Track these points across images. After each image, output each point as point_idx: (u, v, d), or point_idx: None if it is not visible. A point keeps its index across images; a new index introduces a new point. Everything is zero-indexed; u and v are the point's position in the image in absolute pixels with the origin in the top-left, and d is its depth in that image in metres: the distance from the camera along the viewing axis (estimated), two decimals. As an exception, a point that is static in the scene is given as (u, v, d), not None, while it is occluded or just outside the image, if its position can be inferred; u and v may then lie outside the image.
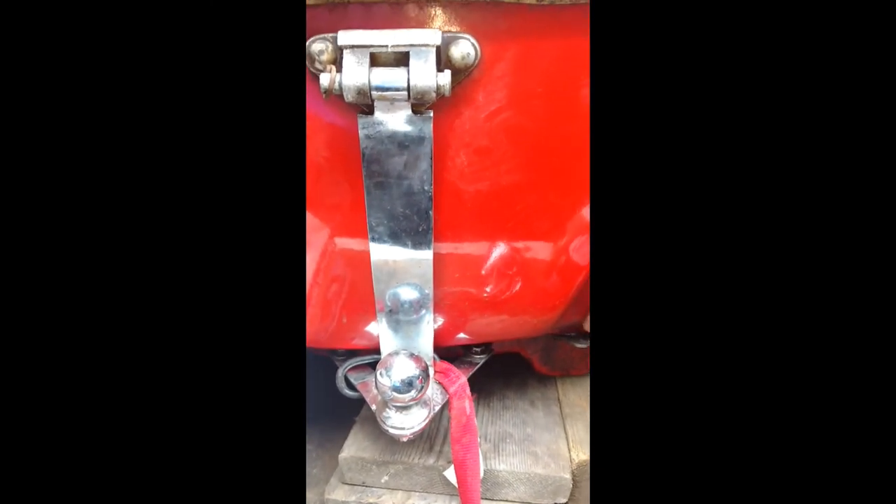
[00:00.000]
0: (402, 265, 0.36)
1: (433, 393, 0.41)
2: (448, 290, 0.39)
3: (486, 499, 0.42)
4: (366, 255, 0.36)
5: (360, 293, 0.39)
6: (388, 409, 0.38)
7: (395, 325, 0.39)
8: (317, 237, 0.36)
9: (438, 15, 0.28)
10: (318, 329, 0.42)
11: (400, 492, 0.43)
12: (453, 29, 0.28)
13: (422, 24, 0.28)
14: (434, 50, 0.27)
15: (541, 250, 0.38)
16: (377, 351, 0.41)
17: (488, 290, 0.40)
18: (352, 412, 0.50)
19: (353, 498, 0.42)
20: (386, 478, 0.43)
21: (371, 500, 0.42)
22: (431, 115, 0.29)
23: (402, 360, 0.36)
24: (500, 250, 0.38)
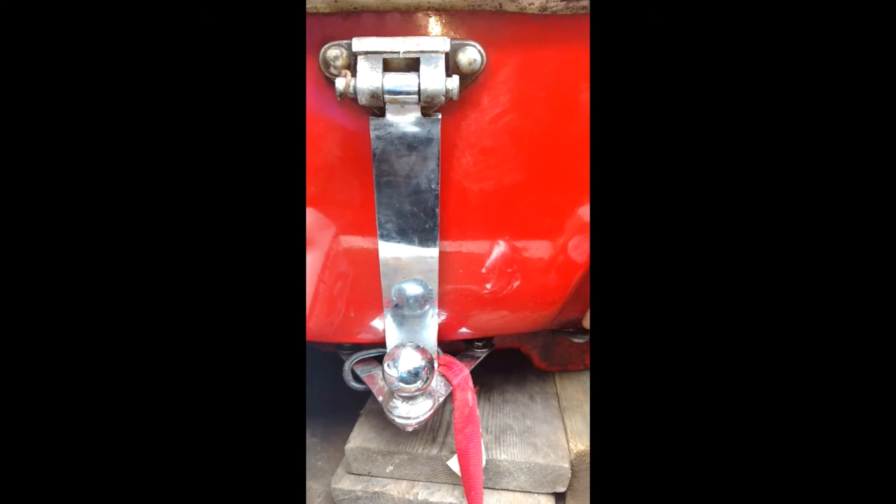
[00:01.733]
0: (408, 261, 0.37)
1: (437, 385, 0.42)
2: (451, 287, 0.41)
3: (488, 488, 0.44)
4: (373, 253, 0.37)
5: (367, 289, 0.40)
6: (394, 400, 0.40)
7: (401, 320, 0.41)
8: (326, 235, 0.38)
9: (447, 23, 0.30)
10: (324, 324, 0.43)
11: (404, 481, 0.44)
12: (461, 36, 0.30)
13: (431, 31, 0.30)
14: (443, 56, 0.29)
15: (540, 248, 0.40)
16: (382, 345, 0.43)
17: (489, 286, 0.41)
18: (355, 407, 0.51)
19: (359, 487, 0.43)
20: (391, 468, 0.44)
21: (376, 489, 0.43)
22: (440, 117, 0.31)
23: (409, 352, 0.38)
24: (500, 248, 0.39)
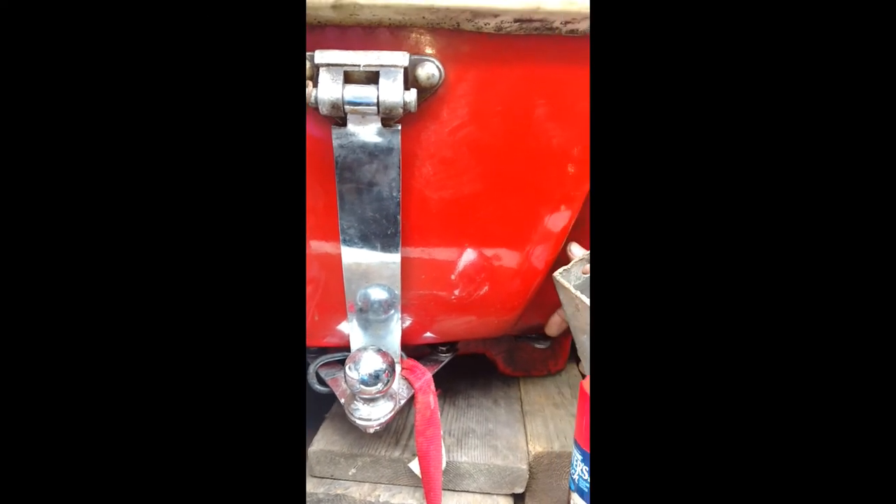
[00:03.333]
0: (372, 267, 0.38)
1: (399, 388, 0.43)
2: (416, 293, 0.42)
3: (448, 489, 0.44)
4: (337, 258, 0.38)
5: (332, 293, 0.41)
6: (356, 402, 0.40)
7: (365, 324, 0.42)
8: (292, 239, 0.38)
9: (407, 39, 0.31)
10: (291, 327, 0.44)
11: (367, 484, 0.45)
12: (420, 52, 0.31)
13: (391, 46, 0.31)
14: (402, 70, 0.30)
15: (505, 256, 0.41)
16: (347, 349, 0.44)
17: (456, 292, 0.43)
18: (320, 412, 0.52)
19: (321, 490, 0.44)
20: (353, 470, 0.45)
21: (339, 492, 0.43)
22: (399, 128, 0.32)
23: (370, 355, 0.39)
24: (468, 256, 0.41)
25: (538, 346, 0.53)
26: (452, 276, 0.42)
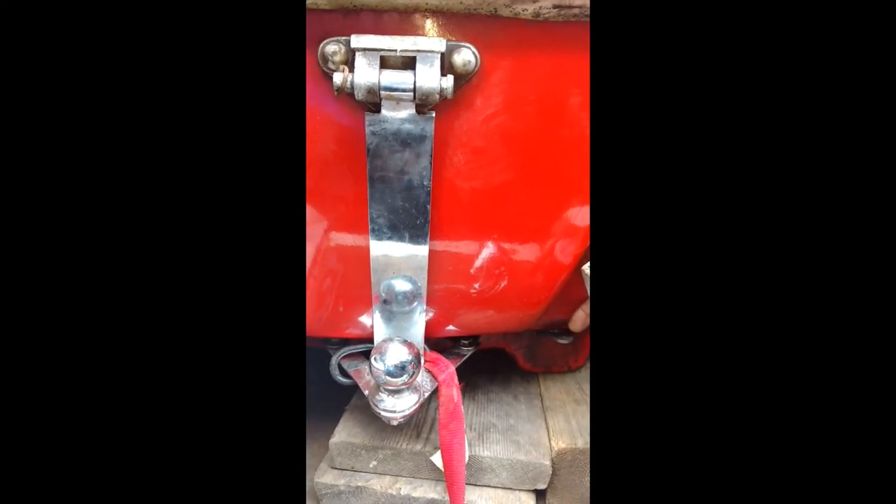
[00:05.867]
0: (398, 258, 0.38)
1: (423, 380, 0.43)
2: (440, 286, 0.42)
3: (470, 484, 0.44)
4: (364, 248, 0.38)
5: (357, 284, 0.41)
6: (380, 393, 0.40)
7: (389, 316, 0.41)
8: (318, 229, 0.38)
9: (443, 24, 0.31)
10: (313, 318, 0.44)
11: (388, 476, 0.44)
12: (456, 38, 0.31)
13: (427, 32, 0.31)
14: (439, 56, 0.30)
15: (527, 250, 0.41)
16: (369, 340, 0.43)
17: (476, 286, 0.42)
18: (338, 404, 0.52)
19: (342, 482, 0.44)
20: (374, 463, 0.44)
21: (359, 484, 0.43)
22: (433, 115, 0.32)
23: (396, 346, 0.38)
24: (489, 249, 0.40)
25: (561, 341, 0.53)
26: (479, 269, 0.41)
